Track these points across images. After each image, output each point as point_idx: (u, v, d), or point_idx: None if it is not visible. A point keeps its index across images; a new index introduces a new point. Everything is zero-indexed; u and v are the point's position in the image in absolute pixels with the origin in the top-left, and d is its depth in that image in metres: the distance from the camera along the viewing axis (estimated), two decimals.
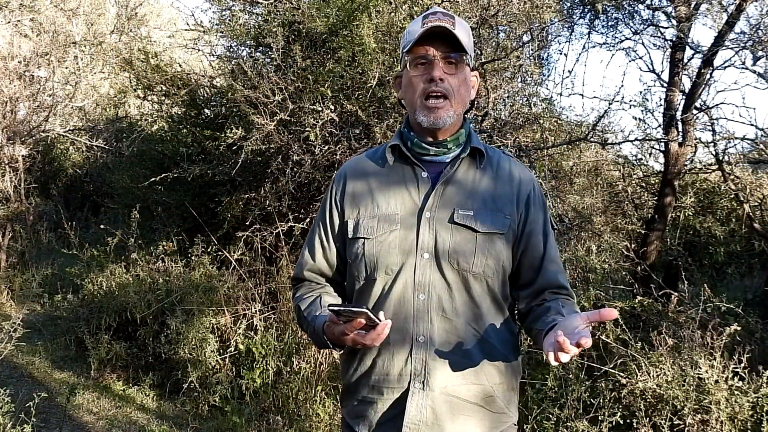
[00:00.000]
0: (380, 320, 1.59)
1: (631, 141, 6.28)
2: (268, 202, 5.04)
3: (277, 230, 4.93)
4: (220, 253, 5.34)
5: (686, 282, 4.34)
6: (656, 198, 6.28)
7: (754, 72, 5.60)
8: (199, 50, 6.31)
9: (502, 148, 2.16)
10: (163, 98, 6.13)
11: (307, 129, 4.59)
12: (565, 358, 1.46)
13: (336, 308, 1.56)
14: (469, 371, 1.72)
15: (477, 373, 1.73)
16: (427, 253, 1.73)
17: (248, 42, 5.57)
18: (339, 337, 1.65)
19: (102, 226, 6.30)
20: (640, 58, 6.44)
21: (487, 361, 1.74)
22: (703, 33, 32.29)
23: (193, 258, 5.40)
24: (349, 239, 1.83)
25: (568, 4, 6.42)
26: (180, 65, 6.09)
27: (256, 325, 4.83)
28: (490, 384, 1.74)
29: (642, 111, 6.14)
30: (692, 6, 5.70)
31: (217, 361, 4.75)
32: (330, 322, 1.66)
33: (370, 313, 1.55)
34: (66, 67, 9.50)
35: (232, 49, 5.95)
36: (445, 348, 1.71)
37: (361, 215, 1.82)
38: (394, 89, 1.93)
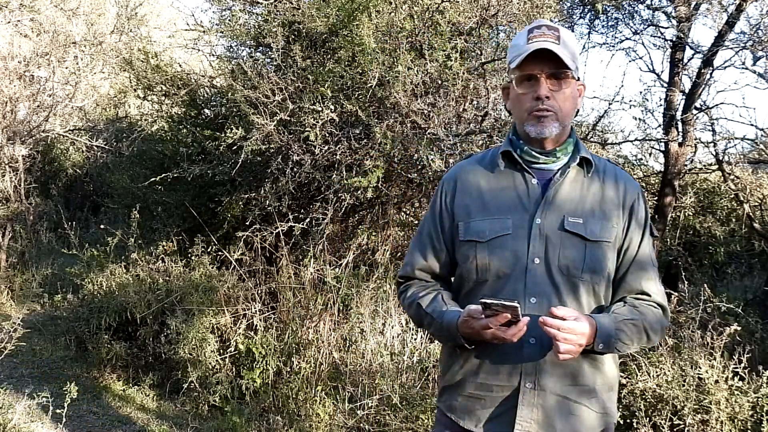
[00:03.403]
0: (522, 317, 1.69)
1: (631, 141, 6.29)
2: (268, 202, 5.04)
3: (277, 230, 4.93)
4: (220, 253, 5.34)
5: (686, 282, 4.35)
6: (656, 198, 6.28)
7: (754, 72, 5.60)
8: (199, 50, 6.30)
9: (608, 157, 2.22)
10: (163, 98, 6.12)
11: (307, 129, 4.59)
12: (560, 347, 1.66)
13: (489, 301, 1.65)
14: (577, 372, 1.80)
15: (584, 374, 1.80)
16: (538, 259, 1.80)
17: (248, 42, 5.57)
18: (478, 331, 1.72)
19: (102, 226, 6.30)
20: (640, 58, 6.45)
21: (593, 362, 1.81)
22: (703, 33, 32.32)
23: (193, 258, 5.40)
24: (459, 242, 1.90)
25: (568, 4, 6.43)
26: (180, 65, 6.08)
27: (256, 325, 4.82)
28: (596, 385, 1.82)
29: (642, 111, 6.15)
30: (692, 6, 5.70)
31: (217, 361, 4.75)
32: (469, 317, 1.74)
33: (519, 309, 1.65)
34: (66, 67, 9.48)
35: (232, 49, 5.95)
36: None
37: (472, 219, 1.88)
38: (503, 99, 1.98)
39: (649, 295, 1.84)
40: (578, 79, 1.87)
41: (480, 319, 1.70)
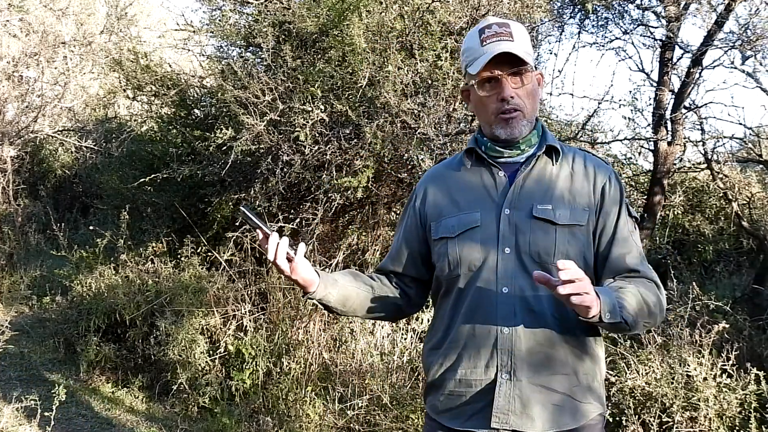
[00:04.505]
0: (269, 233, 1.77)
1: (621, 140, 6.27)
2: (258, 202, 5.02)
3: None
4: (209, 253, 5.33)
5: (675, 280, 4.35)
6: (645, 197, 6.30)
7: (743, 71, 5.63)
8: (189, 50, 6.28)
9: (596, 147, 2.21)
10: (152, 98, 6.10)
11: (297, 129, 4.58)
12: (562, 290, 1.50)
13: (245, 209, 1.78)
14: (556, 361, 1.76)
15: (563, 363, 1.76)
16: (509, 248, 1.78)
17: (238, 42, 5.56)
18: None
19: (91, 228, 6.28)
20: (630, 57, 6.46)
21: (572, 351, 1.77)
22: (692, 33, 32.45)
23: (182, 259, 5.38)
24: (433, 241, 1.91)
25: (559, 4, 6.43)
26: (170, 65, 6.07)
27: (246, 326, 4.82)
28: (576, 375, 1.78)
29: (631, 110, 6.16)
30: (681, 5, 5.72)
31: (206, 362, 4.74)
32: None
33: (254, 218, 1.78)
34: (55, 68, 9.44)
35: (222, 49, 5.94)
36: (531, 339, 1.75)
37: (442, 217, 1.89)
38: (464, 101, 1.99)
39: (638, 272, 1.79)
40: (535, 68, 1.87)
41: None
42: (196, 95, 6.09)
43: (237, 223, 5.07)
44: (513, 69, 1.78)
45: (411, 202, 2.01)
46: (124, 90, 6.22)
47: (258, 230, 1.80)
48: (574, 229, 1.79)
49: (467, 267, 1.81)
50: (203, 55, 6.10)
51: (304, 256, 1.85)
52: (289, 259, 1.81)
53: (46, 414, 3.98)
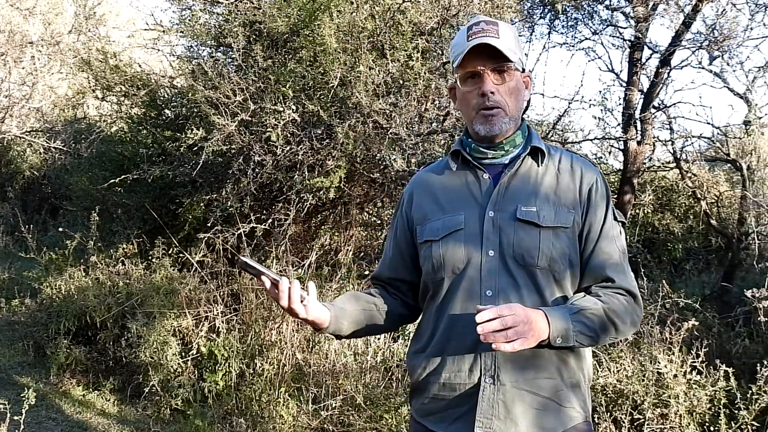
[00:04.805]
0: (278, 279, 1.71)
1: (591, 140, 6.35)
2: (229, 203, 4.99)
3: (239, 231, 4.89)
4: (181, 255, 5.28)
5: (645, 278, 4.40)
6: (616, 196, 6.37)
7: (711, 71, 5.73)
8: (159, 50, 6.22)
9: (566, 146, 2.19)
10: (122, 99, 6.03)
11: (268, 129, 4.56)
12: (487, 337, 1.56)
13: (243, 259, 1.72)
14: (540, 365, 1.73)
15: (547, 367, 1.74)
16: (492, 251, 1.76)
17: (209, 42, 5.52)
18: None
19: (60, 229, 6.20)
20: (600, 57, 6.54)
21: (557, 354, 1.74)
22: (660, 33, 32.89)
23: (153, 260, 5.33)
24: (419, 244, 1.90)
25: (529, 5, 6.48)
26: (140, 65, 6.01)
27: (218, 327, 4.79)
28: (561, 378, 1.75)
29: (601, 110, 6.23)
30: (650, 6, 5.80)
31: (178, 364, 4.70)
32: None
33: (257, 266, 1.70)
34: (23, 68, 9.32)
35: (192, 49, 5.89)
36: None
37: (427, 220, 1.88)
38: (451, 99, 1.97)
39: (613, 281, 1.77)
40: (523, 71, 1.86)
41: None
42: (166, 95, 6.03)
43: (209, 224, 5.03)
44: (495, 65, 1.78)
45: (399, 207, 2.01)
46: (93, 90, 6.15)
47: (263, 277, 1.73)
48: (559, 231, 1.77)
49: (451, 270, 1.79)
50: (173, 55, 6.05)
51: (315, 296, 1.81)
52: (301, 301, 1.76)
53: (15, 418, 3.91)
